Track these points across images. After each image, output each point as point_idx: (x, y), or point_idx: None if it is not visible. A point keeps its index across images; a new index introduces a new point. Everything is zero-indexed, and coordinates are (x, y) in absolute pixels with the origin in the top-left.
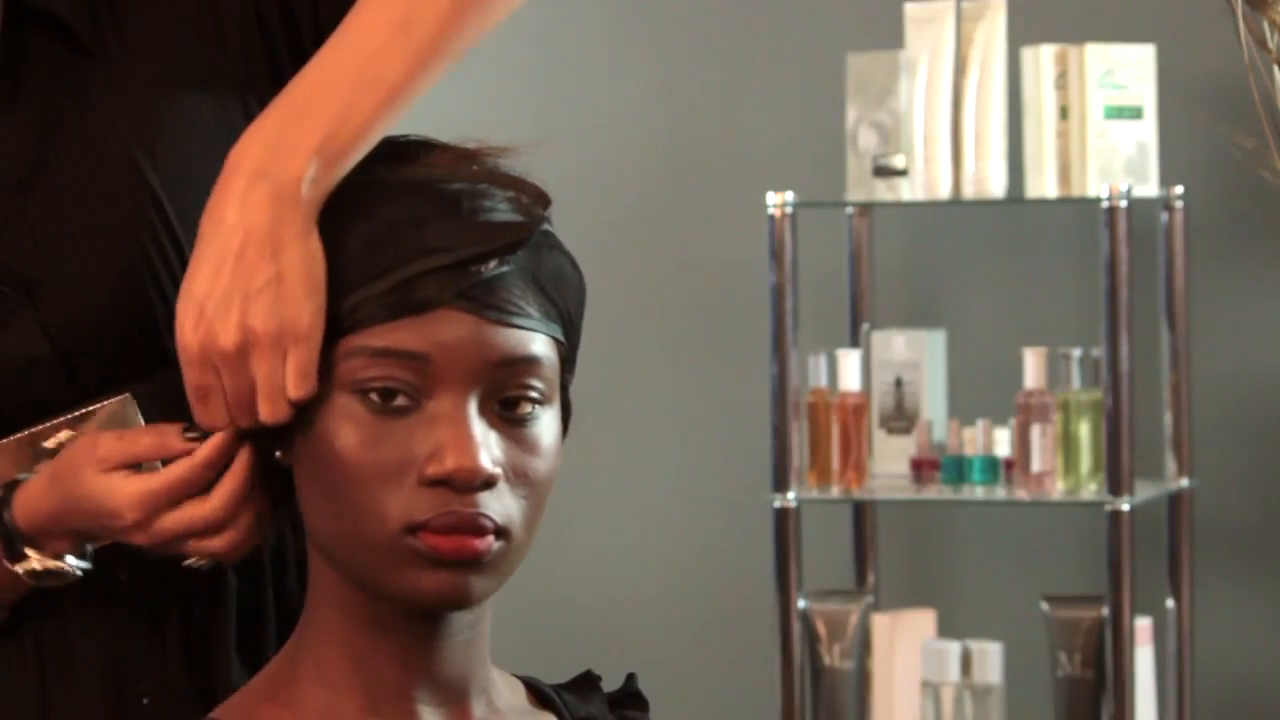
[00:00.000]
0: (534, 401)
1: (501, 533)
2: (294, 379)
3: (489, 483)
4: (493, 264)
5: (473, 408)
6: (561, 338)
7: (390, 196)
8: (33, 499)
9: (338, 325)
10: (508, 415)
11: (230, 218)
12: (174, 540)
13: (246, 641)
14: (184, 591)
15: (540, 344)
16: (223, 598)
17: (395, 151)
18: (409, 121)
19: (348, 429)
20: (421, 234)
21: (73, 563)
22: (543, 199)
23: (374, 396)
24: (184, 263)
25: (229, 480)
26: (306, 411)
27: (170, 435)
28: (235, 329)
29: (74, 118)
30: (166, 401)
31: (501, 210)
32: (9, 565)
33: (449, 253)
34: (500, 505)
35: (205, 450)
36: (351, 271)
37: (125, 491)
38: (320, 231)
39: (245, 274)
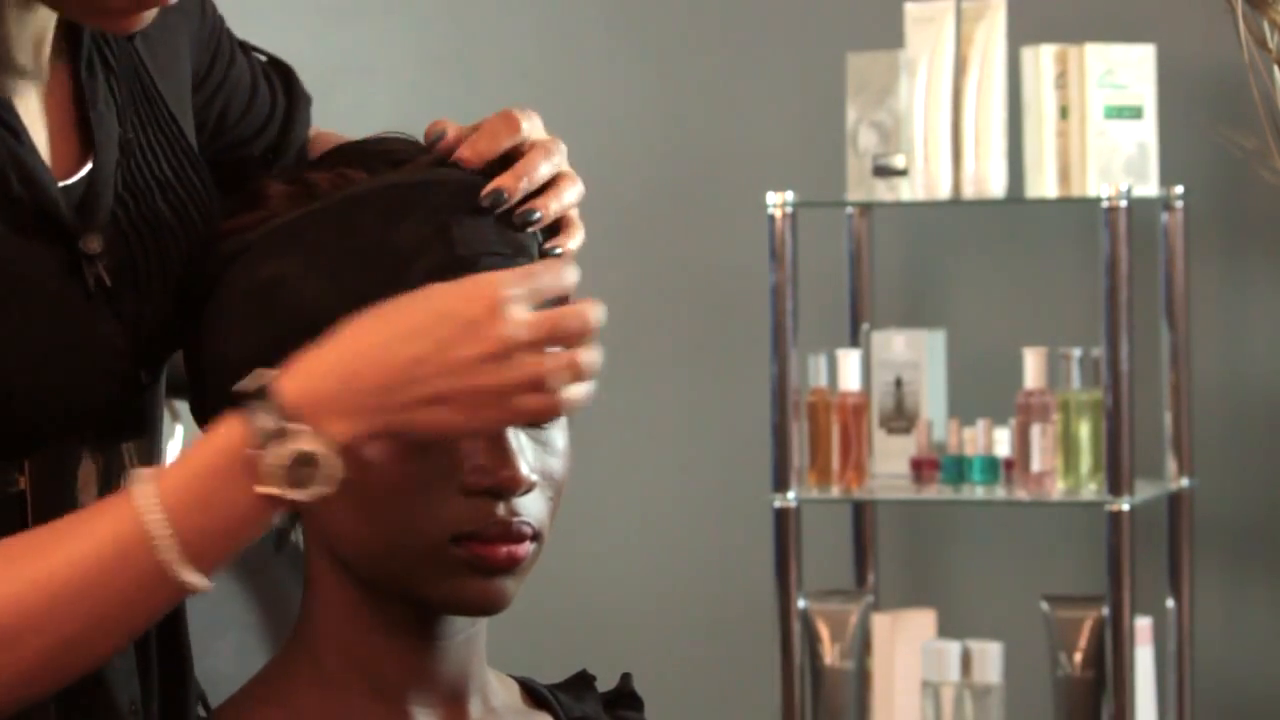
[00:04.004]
0: None
1: (536, 536)
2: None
3: (528, 490)
4: None
5: None
6: None
7: (405, 203)
8: (320, 356)
9: None
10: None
11: None
12: (545, 340)
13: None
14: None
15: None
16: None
17: (387, 153)
18: (414, 117)
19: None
20: (451, 244)
21: (332, 462)
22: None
23: None
24: None
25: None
26: None
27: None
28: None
29: (142, 101)
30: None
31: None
32: (255, 454)
33: (478, 262)
34: (535, 509)
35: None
36: (384, 285)
37: (499, 273)
38: (346, 243)
39: None
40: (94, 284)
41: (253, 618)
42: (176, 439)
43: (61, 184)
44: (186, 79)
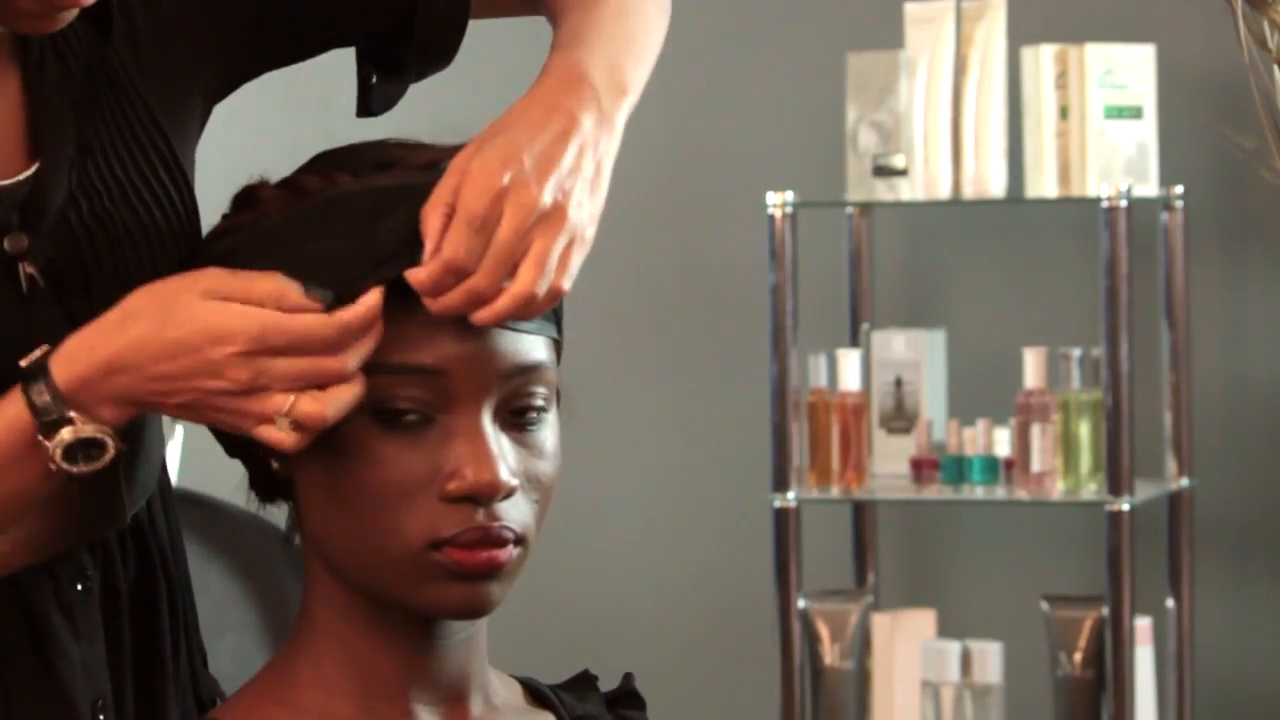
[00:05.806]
0: (539, 408)
1: (519, 540)
2: (565, 273)
3: (509, 494)
4: None
5: (487, 420)
6: (558, 335)
7: (385, 205)
8: (84, 346)
9: None
10: (516, 422)
11: (567, 107)
12: (272, 384)
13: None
14: (134, 598)
15: (544, 348)
16: (158, 592)
17: (376, 156)
18: (408, 119)
19: (362, 448)
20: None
21: (110, 439)
22: None
23: (385, 414)
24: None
25: (368, 342)
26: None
27: (288, 288)
28: (548, 190)
29: (110, 101)
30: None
31: None
32: (44, 440)
33: None
34: (518, 513)
35: (359, 311)
36: (356, 288)
37: (243, 316)
38: (326, 244)
39: (570, 155)
40: (27, 285)
41: (253, 618)
42: (176, 439)
43: (2, 183)
44: (182, 77)
